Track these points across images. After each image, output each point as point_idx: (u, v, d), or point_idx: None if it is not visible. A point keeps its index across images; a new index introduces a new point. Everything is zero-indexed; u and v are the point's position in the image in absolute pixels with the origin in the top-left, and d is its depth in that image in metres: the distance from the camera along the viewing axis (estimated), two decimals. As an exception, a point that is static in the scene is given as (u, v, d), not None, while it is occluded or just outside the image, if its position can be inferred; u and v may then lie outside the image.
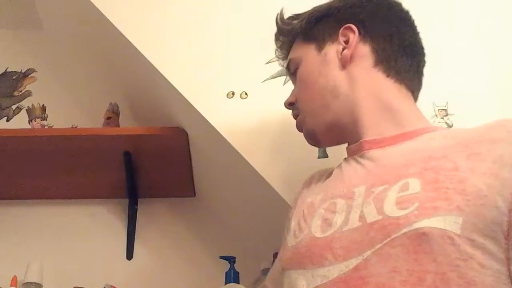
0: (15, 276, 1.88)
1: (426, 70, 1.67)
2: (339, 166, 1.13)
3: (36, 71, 2.30)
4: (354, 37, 1.15)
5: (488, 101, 1.61)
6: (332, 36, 1.18)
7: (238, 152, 1.59)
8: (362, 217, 0.92)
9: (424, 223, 0.83)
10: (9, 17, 2.28)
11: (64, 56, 2.26)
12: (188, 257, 2.02)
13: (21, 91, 2.26)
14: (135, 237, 2.04)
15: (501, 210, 0.82)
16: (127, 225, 2.04)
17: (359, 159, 1.06)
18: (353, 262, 0.88)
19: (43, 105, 2.16)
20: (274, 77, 1.67)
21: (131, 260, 2.01)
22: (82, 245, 2.02)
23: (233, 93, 1.65)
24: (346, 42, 1.15)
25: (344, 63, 1.14)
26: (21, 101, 2.24)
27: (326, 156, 1.58)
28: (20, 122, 2.17)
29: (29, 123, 2.12)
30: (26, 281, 1.88)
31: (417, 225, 0.83)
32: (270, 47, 1.72)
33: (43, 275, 1.92)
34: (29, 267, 1.90)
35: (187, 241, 2.05)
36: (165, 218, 2.08)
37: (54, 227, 2.05)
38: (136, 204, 2.06)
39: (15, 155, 1.92)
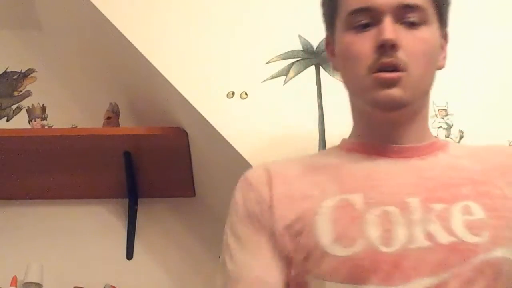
0: (15, 276, 1.88)
1: (426, 70, 1.67)
2: (360, 160, 1.02)
3: (36, 71, 2.30)
4: (446, 47, 1.09)
5: (488, 101, 1.61)
6: (444, 29, 1.08)
7: (238, 152, 1.59)
8: (430, 236, 0.89)
9: (502, 253, 0.87)
10: (9, 17, 2.28)
11: (64, 56, 2.26)
12: (188, 257, 2.02)
13: (21, 91, 2.26)
14: (135, 237, 2.04)
15: None
16: (127, 225, 2.04)
17: (399, 164, 1.00)
18: (428, 283, 0.86)
19: (43, 105, 2.16)
20: (274, 77, 1.67)
21: (131, 260, 2.01)
22: (82, 245, 2.02)
23: (233, 93, 1.65)
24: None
25: (441, 67, 1.07)
26: (21, 101, 2.24)
27: (326, 156, 1.58)
28: (20, 122, 2.17)
29: (29, 123, 2.12)
30: (26, 281, 1.88)
31: (495, 254, 0.87)
32: (270, 47, 1.72)
33: (43, 275, 1.92)
34: (29, 267, 1.90)
35: (187, 241, 2.05)
36: (165, 218, 2.08)
37: (54, 227, 2.05)
38: (136, 204, 2.06)
39: (15, 155, 1.92)
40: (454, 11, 1.72)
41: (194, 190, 2.07)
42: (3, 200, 2.07)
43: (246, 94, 1.64)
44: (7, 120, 2.20)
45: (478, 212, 0.90)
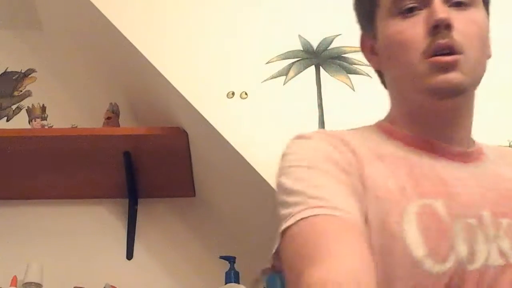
0: (15, 276, 1.88)
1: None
2: (429, 159, 0.95)
3: (36, 71, 2.30)
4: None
5: (488, 101, 1.61)
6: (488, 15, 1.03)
7: (238, 152, 1.59)
8: (502, 254, 0.87)
9: None
10: (9, 17, 2.28)
11: (64, 56, 2.26)
12: (188, 257, 2.02)
13: (21, 91, 2.26)
14: (135, 237, 2.04)
15: None
16: (127, 225, 2.04)
17: (461, 169, 0.94)
18: None
19: (43, 105, 2.16)
20: (274, 77, 1.67)
21: (131, 260, 2.01)
22: (82, 245, 2.02)
23: (233, 93, 1.65)
24: None
25: (490, 56, 1.00)
26: (21, 101, 2.24)
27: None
28: (20, 122, 2.17)
29: (29, 123, 2.12)
30: (26, 281, 1.88)
31: None
32: (270, 47, 1.72)
33: (43, 275, 1.92)
34: (29, 267, 1.90)
35: (187, 241, 2.05)
36: (165, 218, 2.08)
37: (54, 227, 2.05)
38: (136, 204, 2.06)
39: (15, 155, 1.92)
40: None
41: (194, 190, 2.07)
42: (3, 200, 2.07)
43: (246, 94, 1.64)
44: (7, 120, 2.20)
45: None
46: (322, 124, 1.62)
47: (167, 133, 1.87)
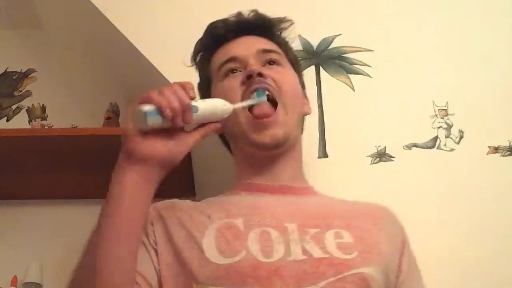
0: (15, 276, 1.88)
1: (426, 70, 1.67)
2: (245, 196, 1.16)
3: (36, 71, 2.30)
4: (307, 97, 1.33)
5: (488, 101, 1.61)
6: (301, 78, 1.31)
7: (238, 152, 1.58)
8: (306, 252, 1.01)
9: (368, 270, 1.01)
10: (9, 17, 2.28)
11: (64, 56, 2.26)
12: (188, 257, 2.02)
13: (21, 91, 2.26)
14: (135, 237, 2.03)
15: (396, 270, 1.08)
16: (127, 225, 2.04)
17: (277, 198, 1.13)
18: None
19: (43, 105, 2.16)
20: (274, 77, 1.67)
21: (131, 260, 2.01)
22: (82, 245, 2.01)
23: (233, 93, 1.65)
24: None
25: (308, 113, 1.28)
26: (21, 101, 2.24)
27: (326, 156, 1.58)
28: (20, 122, 2.17)
29: (29, 123, 2.12)
30: (26, 281, 1.88)
31: (362, 270, 1.01)
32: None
33: (43, 275, 1.92)
34: (29, 267, 1.90)
35: (187, 241, 2.05)
36: (165, 218, 2.08)
37: (54, 227, 2.05)
38: (136, 204, 2.06)
39: (15, 155, 1.92)
40: (454, 11, 1.73)
41: (194, 190, 2.07)
42: (3, 200, 2.07)
43: (246, 94, 1.64)
44: (7, 120, 2.21)
45: (348, 238, 1.05)
46: (322, 124, 1.62)
47: (167, 133, 1.87)
